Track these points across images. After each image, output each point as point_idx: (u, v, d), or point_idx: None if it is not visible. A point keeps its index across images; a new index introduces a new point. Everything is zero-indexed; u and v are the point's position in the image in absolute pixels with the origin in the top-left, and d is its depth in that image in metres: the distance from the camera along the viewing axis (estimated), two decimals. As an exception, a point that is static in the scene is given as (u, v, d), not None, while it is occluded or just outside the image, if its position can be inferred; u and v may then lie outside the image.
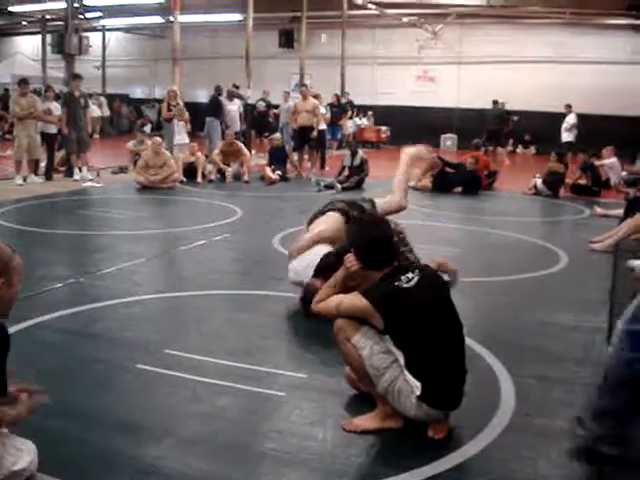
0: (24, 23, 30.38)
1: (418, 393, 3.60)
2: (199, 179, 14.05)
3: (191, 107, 15.46)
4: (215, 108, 16.97)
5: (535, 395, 4.32)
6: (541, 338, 5.43)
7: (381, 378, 3.66)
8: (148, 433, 3.71)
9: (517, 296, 6.64)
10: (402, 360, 3.64)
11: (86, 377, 4.41)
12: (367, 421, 3.79)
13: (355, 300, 3.72)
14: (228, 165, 14.60)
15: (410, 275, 3.71)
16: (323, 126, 16.97)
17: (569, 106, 20.09)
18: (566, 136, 19.90)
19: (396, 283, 3.67)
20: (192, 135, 15.83)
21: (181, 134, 14.95)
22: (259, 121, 21.19)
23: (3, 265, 3.02)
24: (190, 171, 14.14)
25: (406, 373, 3.63)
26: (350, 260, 3.90)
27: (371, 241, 3.83)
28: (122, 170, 15.19)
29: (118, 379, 4.42)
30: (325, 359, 4.75)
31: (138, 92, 31.62)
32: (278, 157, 15.00)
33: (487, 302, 6.47)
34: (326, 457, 3.52)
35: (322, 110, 17.60)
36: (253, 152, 18.34)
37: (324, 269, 5.46)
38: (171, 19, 18.26)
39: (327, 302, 3.91)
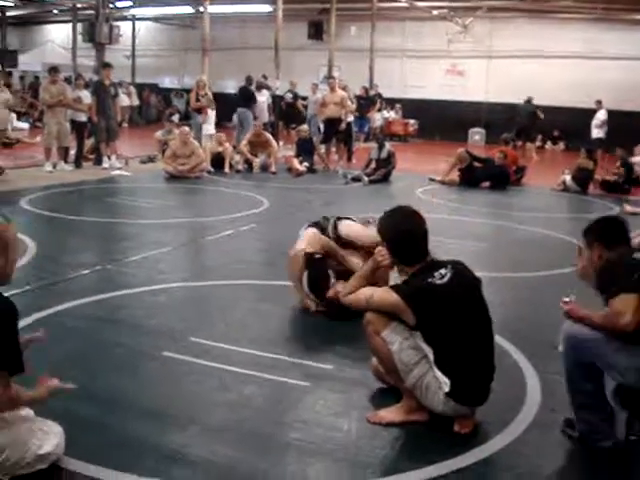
0: (55, 11, 30.58)
1: (447, 389, 3.58)
2: (226, 169, 14.07)
3: (219, 97, 15.44)
4: (247, 98, 16.98)
5: (561, 391, 4.23)
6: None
7: (410, 373, 3.65)
8: (174, 420, 3.72)
9: (545, 292, 6.55)
10: (431, 356, 3.62)
11: (111, 363, 4.44)
12: (392, 413, 3.78)
13: (386, 295, 3.68)
14: (255, 156, 14.61)
15: (443, 271, 3.66)
16: (350, 118, 16.90)
17: (599, 102, 19.84)
18: (596, 132, 19.66)
19: (429, 279, 3.62)
20: (219, 125, 15.86)
21: (210, 124, 15.03)
22: (287, 112, 21.17)
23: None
24: (217, 161, 14.17)
25: (435, 369, 3.60)
26: (382, 254, 3.85)
27: (405, 235, 3.74)
28: (150, 159, 15.26)
29: (144, 366, 4.44)
30: (351, 351, 4.74)
31: (167, 82, 31.73)
32: (305, 149, 14.99)
33: (514, 298, 6.43)
34: (351, 448, 3.51)
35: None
36: (280, 143, 18.35)
37: (317, 282, 5.54)
38: (201, 9, 18.30)
39: (357, 294, 3.84)
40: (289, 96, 21.45)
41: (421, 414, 3.75)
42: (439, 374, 3.60)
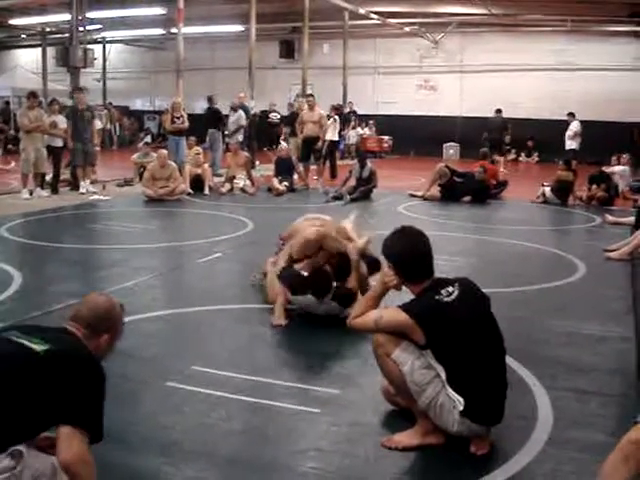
0: (23, 36, 30.38)
1: (461, 408, 3.53)
2: (206, 191, 13.99)
3: (190, 118, 15.29)
4: (217, 119, 17.03)
5: (571, 408, 4.26)
6: (570, 349, 5.38)
7: (423, 394, 3.60)
8: (185, 454, 3.62)
9: (541, 306, 6.58)
10: (443, 375, 3.58)
11: (116, 396, 4.25)
12: (408, 437, 3.72)
13: (395, 315, 3.64)
14: (234, 177, 14.55)
15: (450, 289, 3.65)
16: (335, 137, 16.86)
17: (572, 114, 20.06)
18: (569, 144, 19.84)
19: (437, 297, 3.60)
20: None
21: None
22: (271, 133, 21.04)
23: (113, 323, 3.04)
24: (196, 183, 14.08)
25: (448, 388, 3.57)
26: (388, 274, 3.82)
27: (411, 254, 3.72)
28: (127, 182, 15.13)
29: (149, 397, 4.34)
30: (356, 374, 4.69)
31: (138, 104, 31.62)
32: (284, 168, 14.93)
33: (510, 313, 6.35)
34: (369, 476, 3.45)
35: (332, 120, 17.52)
36: (257, 163, 18.32)
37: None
38: (173, 31, 18.21)
39: (364, 318, 3.79)
40: (275, 116, 21.30)
41: (437, 437, 3.70)
42: (452, 393, 3.55)
